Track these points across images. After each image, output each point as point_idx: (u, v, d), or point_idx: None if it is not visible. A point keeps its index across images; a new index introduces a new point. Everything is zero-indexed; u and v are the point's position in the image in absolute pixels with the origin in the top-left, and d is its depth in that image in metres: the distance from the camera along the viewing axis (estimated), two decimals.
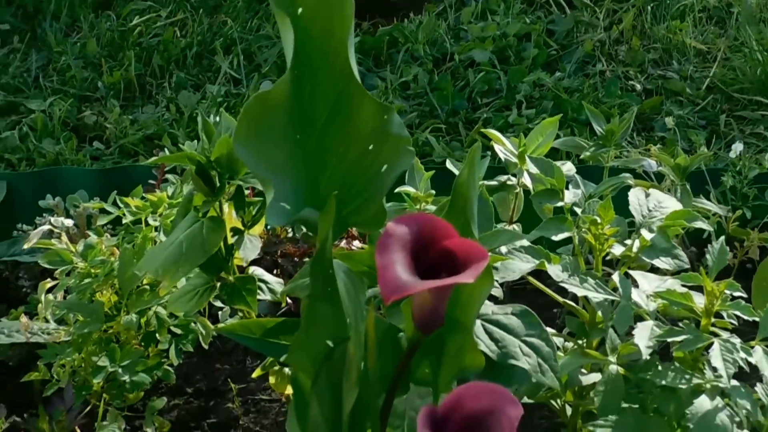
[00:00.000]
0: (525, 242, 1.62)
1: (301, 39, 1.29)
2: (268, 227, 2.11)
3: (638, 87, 3.44)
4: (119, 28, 3.68)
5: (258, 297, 1.61)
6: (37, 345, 1.83)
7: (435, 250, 1.16)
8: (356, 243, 2.02)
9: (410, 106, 3.29)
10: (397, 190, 1.71)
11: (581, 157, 2.10)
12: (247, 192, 1.70)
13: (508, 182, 1.95)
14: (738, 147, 2.45)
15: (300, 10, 1.30)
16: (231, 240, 1.63)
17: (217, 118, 1.67)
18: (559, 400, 1.69)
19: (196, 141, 1.73)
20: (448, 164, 1.89)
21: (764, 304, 1.56)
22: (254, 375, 1.74)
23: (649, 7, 3.84)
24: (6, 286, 2.27)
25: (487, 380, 1.19)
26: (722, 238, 1.62)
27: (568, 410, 1.69)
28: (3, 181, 2.48)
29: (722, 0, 3.94)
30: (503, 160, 1.93)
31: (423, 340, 1.24)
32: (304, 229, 2.15)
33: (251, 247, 1.61)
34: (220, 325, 1.68)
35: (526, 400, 1.61)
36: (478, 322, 1.40)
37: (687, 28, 3.71)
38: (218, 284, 1.63)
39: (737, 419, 1.42)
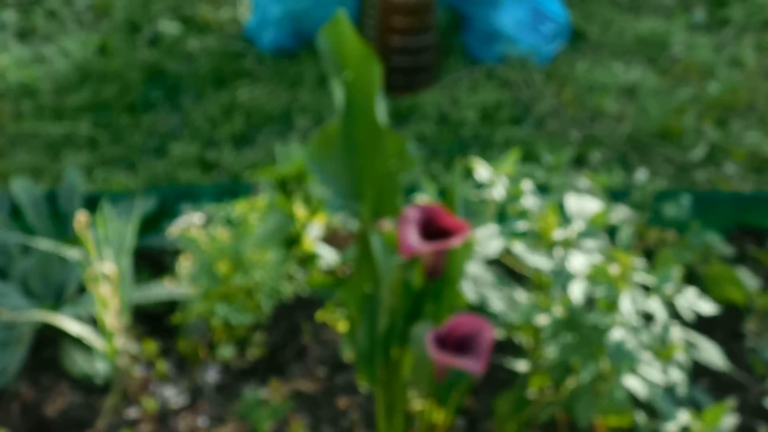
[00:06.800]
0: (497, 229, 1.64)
1: (346, 94, 1.33)
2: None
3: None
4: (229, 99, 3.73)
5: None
6: (174, 303, 1.88)
7: (435, 226, 1.20)
8: None
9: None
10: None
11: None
12: None
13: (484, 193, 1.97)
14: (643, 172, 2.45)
15: (345, 76, 1.35)
16: (301, 226, 1.67)
17: (290, 148, 1.71)
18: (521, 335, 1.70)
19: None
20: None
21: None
22: (318, 317, 1.77)
23: None
24: (157, 263, 2.29)
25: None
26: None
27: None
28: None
29: None
30: (481, 178, 1.95)
31: (429, 287, 1.27)
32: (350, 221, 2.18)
33: (314, 231, 1.65)
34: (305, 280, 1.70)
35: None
36: (466, 278, 1.42)
37: None
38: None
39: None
